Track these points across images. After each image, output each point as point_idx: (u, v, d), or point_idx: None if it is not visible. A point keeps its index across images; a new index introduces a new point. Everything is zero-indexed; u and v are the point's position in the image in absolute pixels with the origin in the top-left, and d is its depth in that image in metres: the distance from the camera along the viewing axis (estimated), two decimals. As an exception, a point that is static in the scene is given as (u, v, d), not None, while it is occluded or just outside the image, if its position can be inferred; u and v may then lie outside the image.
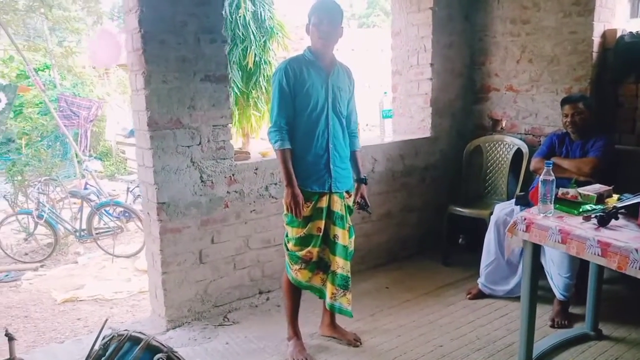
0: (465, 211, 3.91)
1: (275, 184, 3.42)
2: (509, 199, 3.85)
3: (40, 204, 6.71)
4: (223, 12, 3.12)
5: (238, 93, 5.82)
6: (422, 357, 2.83)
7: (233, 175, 3.26)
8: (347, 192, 2.86)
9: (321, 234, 2.74)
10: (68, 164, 9.95)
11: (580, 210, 2.44)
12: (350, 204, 2.90)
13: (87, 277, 6.02)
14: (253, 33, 5.71)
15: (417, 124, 4.29)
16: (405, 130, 4.37)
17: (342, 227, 2.78)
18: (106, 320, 2.00)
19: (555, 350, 2.83)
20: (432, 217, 4.25)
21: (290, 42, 6.54)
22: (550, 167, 2.44)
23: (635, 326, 3.04)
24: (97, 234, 6.87)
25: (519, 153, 3.96)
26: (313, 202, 2.71)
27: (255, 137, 6.72)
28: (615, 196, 2.58)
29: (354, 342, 2.96)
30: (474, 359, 2.81)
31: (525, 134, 4.05)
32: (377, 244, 4.06)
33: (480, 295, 3.49)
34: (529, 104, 4.00)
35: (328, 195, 2.74)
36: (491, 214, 3.56)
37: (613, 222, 2.30)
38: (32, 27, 13.15)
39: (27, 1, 9.80)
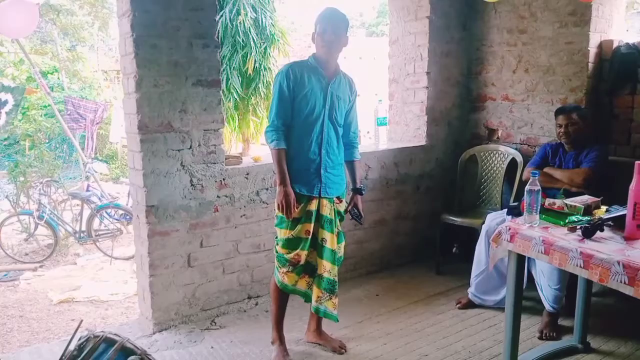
0: (459, 220, 3.89)
1: (267, 189, 3.43)
2: (502, 208, 3.83)
3: (42, 205, 6.77)
4: (217, 18, 3.14)
5: (237, 99, 5.86)
6: (406, 366, 2.81)
7: (224, 179, 3.27)
8: (338, 197, 2.87)
9: (310, 237, 2.75)
10: (73, 166, 10.03)
11: (567, 221, 2.42)
12: (341, 209, 2.91)
13: (84, 278, 6.05)
14: (253, 39, 5.75)
15: (413, 132, 4.28)
16: (401, 138, 4.36)
17: (330, 231, 2.79)
18: (81, 321, 2.01)
19: (542, 363, 2.81)
20: (426, 226, 4.23)
21: (292, 49, 6.57)
22: (537, 177, 2.43)
23: (624, 340, 3.00)
24: (96, 235, 6.91)
25: (513, 163, 3.95)
26: (302, 205, 2.73)
27: (256, 143, 6.75)
28: (604, 208, 2.55)
29: (339, 349, 2.95)
30: (458, 370, 2.79)
31: (521, 144, 4.03)
32: (370, 251, 4.04)
33: (470, 305, 3.46)
34: (525, 113, 3.98)
35: (317, 199, 2.75)
36: (483, 223, 3.53)
37: (599, 234, 2.27)
38: (44, 30, 13.31)
39: (37, 6, 9.92)
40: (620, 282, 2.00)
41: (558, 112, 3.36)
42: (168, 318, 3.19)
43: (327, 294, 2.82)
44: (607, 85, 3.60)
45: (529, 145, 3.98)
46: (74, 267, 6.56)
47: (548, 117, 3.79)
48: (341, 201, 2.90)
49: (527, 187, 2.43)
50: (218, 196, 3.26)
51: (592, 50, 3.57)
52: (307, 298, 2.90)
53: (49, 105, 9.87)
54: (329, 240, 2.79)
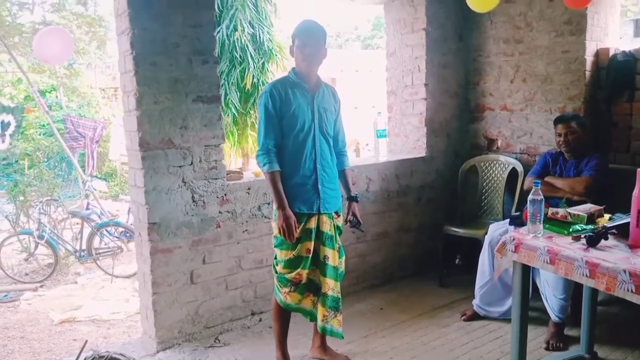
0: (461, 231, 3.88)
1: (268, 203, 3.42)
2: (504, 218, 3.82)
3: (41, 224, 6.74)
4: (215, 34, 3.16)
5: (236, 114, 5.87)
6: (413, 380, 2.79)
7: (225, 195, 3.26)
8: (336, 212, 2.85)
9: (311, 255, 2.71)
10: (72, 185, 10.01)
11: (570, 230, 2.41)
12: (340, 224, 2.89)
13: (85, 297, 6.00)
14: (251, 55, 5.77)
15: (412, 143, 4.28)
16: (401, 150, 4.37)
17: (331, 248, 2.76)
18: (86, 341, 1.99)
19: (550, 373, 2.78)
20: (428, 237, 4.22)
21: (290, 64, 6.59)
22: (539, 187, 2.42)
23: (631, 349, 2.98)
24: (97, 254, 6.87)
25: (514, 172, 3.95)
26: (302, 224, 2.69)
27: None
28: (607, 216, 2.55)
29: (345, 364, 2.92)
30: (466, 382, 2.76)
31: (520, 153, 4.03)
32: (372, 264, 4.02)
33: (475, 316, 3.44)
34: (524, 123, 3.99)
35: (317, 216, 2.73)
36: (486, 234, 3.52)
37: (603, 242, 2.27)
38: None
39: (33, 24, 9.98)
40: (627, 290, 1.99)
41: (557, 121, 3.37)
42: (172, 336, 3.17)
43: (333, 312, 2.79)
44: (605, 93, 3.61)
45: (528, 155, 3.98)
46: (74, 286, 6.51)
47: (547, 126, 3.80)
48: (339, 215, 2.88)
49: (530, 197, 2.43)
50: (220, 212, 3.25)
51: (589, 58, 3.59)
52: (313, 317, 2.85)
53: (47, 124, 9.88)
54: (331, 257, 2.75)
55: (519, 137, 4.03)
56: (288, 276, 2.71)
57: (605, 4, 3.59)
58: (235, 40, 5.61)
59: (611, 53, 3.58)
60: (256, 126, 6.14)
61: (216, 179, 3.22)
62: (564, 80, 3.68)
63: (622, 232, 2.36)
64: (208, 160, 3.18)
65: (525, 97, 3.95)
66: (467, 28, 4.24)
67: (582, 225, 2.45)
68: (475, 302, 3.46)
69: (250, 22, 5.75)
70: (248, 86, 5.77)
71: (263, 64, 5.94)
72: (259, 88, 6.01)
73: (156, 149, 3.00)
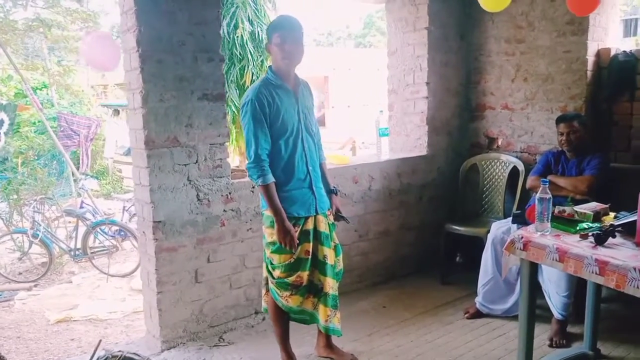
0: (463, 229, 3.90)
1: (272, 202, 3.41)
2: (505, 217, 3.85)
3: (36, 222, 6.68)
4: (220, 32, 3.14)
5: (235, 112, 5.85)
6: (420, 378, 2.80)
7: (230, 193, 3.25)
8: (329, 209, 2.83)
9: (310, 256, 2.68)
10: (64, 183, 9.92)
11: (577, 228, 2.44)
12: (332, 220, 2.86)
13: (81, 296, 5.96)
14: (250, 52, 5.76)
15: (414, 142, 4.30)
16: (402, 149, 4.38)
17: (329, 247, 2.74)
18: (100, 341, 1.97)
19: (555, 370, 2.81)
20: (429, 236, 4.24)
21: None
22: (547, 185, 2.44)
23: (634, 345, 3.02)
24: (92, 253, 6.83)
25: (515, 171, 3.97)
26: (300, 226, 2.65)
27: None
28: (612, 214, 2.58)
29: (351, 362, 2.92)
30: (472, 380, 2.78)
31: (521, 152, 4.06)
32: (374, 262, 4.03)
33: (478, 314, 3.46)
34: (525, 122, 4.02)
35: (314, 217, 2.70)
36: (488, 232, 3.55)
37: (610, 240, 2.30)
38: (30, 46, 13.23)
39: (27, 21, 9.87)
40: (637, 287, 2.01)
41: (559, 120, 3.39)
42: (176, 335, 3.15)
43: (334, 311, 2.76)
44: (606, 93, 3.65)
45: (529, 154, 4.01)
46: (69, 285, 6.47)
47: (548, 125, 3.83)
48: (331, 213, 2.85)
49: (538, 195, 2.45)
50: (224, 210, 3.24)
51: (590, 58, 3.62)
52: (313, 319, 2.82)
53: (39, 122, 9.78)
54: (329, 256, 2.73)
55: (520, 136, 4.06)
56: (288, 280, 2.67)
57: (606, 5, 3.62)
58: (236, 38, 5.59)
59: (612, 53, 3.62)
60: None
61: (221, 177, 3.21)
62: (565, 80, 3.71)
63: (627, 230, 2.39)
64: (213, 158, 3.17)
65: (526, 96, 3.98)
66: (468, 27, 4.26)
67: (588, 223, 2.48)
68: (478, 299, 3.48)
69: (249, 19, 5.75)
70: (247, 83, 5.75)
71: (262, 61, 5.92)
72: (258, 86, 5.99)
73: (162, 147, 2.98)
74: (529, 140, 4.01)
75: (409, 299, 3.79)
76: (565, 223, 2.50)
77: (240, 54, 5.78)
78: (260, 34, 5.88)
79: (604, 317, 3.02)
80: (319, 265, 2.72)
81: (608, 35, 3.72)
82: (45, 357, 4.47)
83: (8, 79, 12.08)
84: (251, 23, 5.92)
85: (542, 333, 3.16)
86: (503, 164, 4.07)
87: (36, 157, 10.25)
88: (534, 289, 2.58)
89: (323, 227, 2.73)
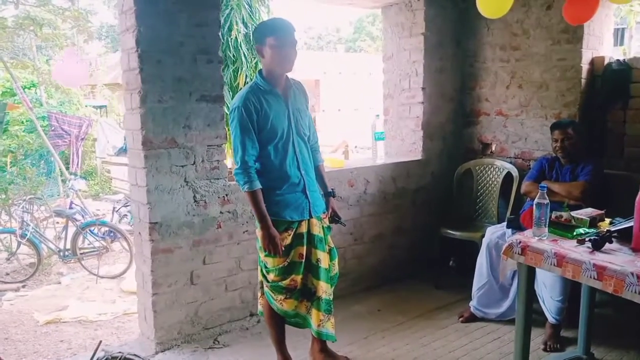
0: (457, 234, 3.92)
1: (269, 204, 3.40)
2: (499, 222, 3.88)
3: (24, 222, 6.60)
4: (220, 34, 3.14)
5: (229, 113, 5.82)
6: (416, 381, 2.81)
7: (226, 195, 3.24)
8: (323, 212, 2.82)
9: (303, 260, 2.67)
10: (52, 183, 9.82)
11: (574, 233, 2.47)
12: (327, 222, 2.85)
13: (70, 298, 5.89)
14: (244, 54, 5.74)
15: (409, 146, 4.32)
16: (397, 153, 4.40)
17: (323, 250, 2.72)
18: (100, 342, 1.95)
19: (549, 374, 2.83)
20: (423, 240, 4.26)
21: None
22: (545, 191, 2.47)
23: (626, 349, 3.06)
24: (81, 254, 6.76)
25: (509, 176, 4.01)
26: (293, 230, 2.64)
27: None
28: (607, 220, 2.61)
29: (346, 365, 2.92)
30: (468, 383, 2.79)
31: (515, 158, 4.10)
32: (369, 266, 4.04)
33: (472, 318, 3.48)
34: (519, 128, 4.06)
35: (307, 220, 2.69)
36: (482, 236, 3.57)
37: (607, 245, 2.32)
38: (19, 44, 13.10)
39: (17, 18, 9.77)
40: (635, 292, 2.04)
41: (554, 127, 3.43)
42: (171, 337, 3.13)
43: (327, 315, 2.73)
44: (600, 101, 3.70)
45: (523, 160, 4.05)
46: (58, 286, 6.39)
47: (542, 131, 3.88)
48: (326, 216, 2.85)
49: (536, 201, 2.47)
50: (221, 212, 3.23)
51: (585, 66, 3.67)
52: (307, 323, 2.79)
53: (28, 121, 9.67)
54: (323, 259, 2.71)
55: (514, 142, 4.10)
56: (282, 283, 2.65)
57: (600, 14, 3.67)
58: (230, 40, 5.57)
59: (606, 61, 3.67)
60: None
61: (218, 179, 3.20)
62: (560, 87, 3.76)
63: (623, 236, 2.42)
64: (210, 160, 3.16)
65: (520, 103, 4.02)
66: (464, 34, 4.30)
67: (585, 228, 2.51)
68: (473, 303, 3.50)
69: (244, 22, 5.73)
70: (241, 85, 5.73)
71: (256, 63, 5.90)
72: (252, 88, 5.97)
73: (159, 148, 2.97)
74: (523, 146, 4.05)
75: (404, 302, 3.80)
76: (562, 228, 2.53)
77: (234, 55, 5.76)
78: (254, 36, 5.87)
79: (597, 321, 3.05)
80: (312, 268, 2.70)
81: (602, 44, 3.77)
82: (34, 358, 4.41)
83: (-6, 77, 11.94)
84: (245, 25, 5.90)
85: (536, 337, 3.18)
86: (497, 169, 4.11)
87: (23, 157, 10.13)
88: (532, 293, 2.61)
89: (317, 231, 2.71)
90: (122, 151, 11.53)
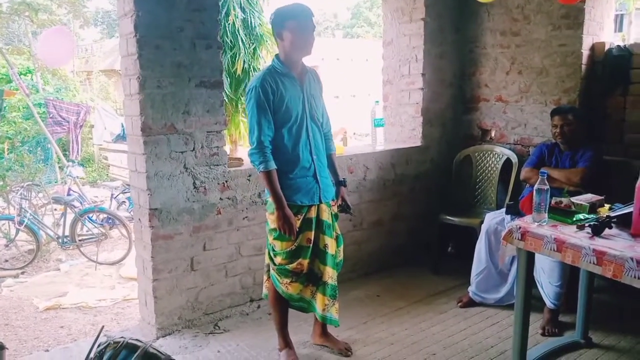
0: (456, 220, 3.93)
1: (268, 191, 3.41)
2: (498, 208, 3.89)
3: (22, 209, 6.60)
4: (219, 19, 3.12)
5: (227, 100, 5.81)
6: (415, 366, 2.83)
7: (226, 181, 3.24)
8: (333, 199, 2.84)
9: (311, 245, 2.69)
10: (49, 170, 9.79)
11: (574, 219, 2.47)
12: (336, 210, 2.88)
13: (69, 284, 5.92)
14: (242, 40, 5.71)
15: (408, 133, 4.31)
16: (396, 139, 4.39)
17: (330, 236, 2.75)
18: (102, 327, 1.96)
19: (547, 358, 2.86)
20: (422, 226, 4.27)
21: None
22: (545, 177, 2.48)
23: (624, 334, 3.09)
24: (80, 240, 6.78)
25: (508, 163, 4.01)
26: (303, 214, 2.67)
27: (244, 145, 6.70)
28: (607, 206, 2.62)
29: (345, 351, 2.94)
30: (467, 367, 2.82)
31: (514, 144, 4.10)
32: (368, 252, 4.06)
33: (471, 303, 3.50)
34: (518, 114, 4.05)
35: (317, 206, 2.71)
36: (481, 222, 3.59)
37: (606, 231, 2.33)
38: (14, 30, 12.98)
39: (12, 4, 9.65)
40: (634, 277, 2.05)
41: (554, 113, 3.43)
42: (171, 323, 3.15)
43: (332, 300, 2.77)
44: (600, 87, 3.69)
45: (522, 146, 4.05)
46: (57, 273, 6.42)
47: (542, 117, 3.87)
48: (335, 203, 2.87)
49: (536, 186, 2.48)
50: (221, 198, 3.23)
51: (585, 52, 3.65)
52: (311, 307, 2.83)
53: (25, 107, 9.62)
54: (330, 245, 2.75)
55: (513, 128, 4.10)
56: (289, 267, 2.69)
57: (601, 0, 3.66)
58: (227, 25, 5.54)
59: (606, 47, 3.65)
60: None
61: (217, 165, 3.20)
62: (560, 73, 3.75)
63: (622, 221, 2.43)
64: (210, 146, 3.15)
65: (520, 88, 4.01)
66: (464, 19, 4.27)
67: (584, 214, 2.52)
68: (471, 289, 3.52)
69: (242, 7, 5.69)
70: (239, 71, 5.71)
71: (254, 49, 5.88)
72: (250, 74, 5.94)
73: (158, 134, 2.95)
74: (523, 133, 4.05)
75: (403, 288, 3.82)
76: (562, 214, 2.53)
77: (231, 41, 5.74)
78: (252, 21, 5.83)
79: (595, 307, 3.08)
80: (319, 253, 2.73)
81: (603, 30, 3.75)
82: (35, 344, 4.44)
83: (-10, 63, 11.82)
84: (243, 10, 5.87)
85: (535, 322, 3.20)
86: (496, 155, 4.11)
87: (20, 144, 10.09)
88: (531, 278, 2.63)
89: (326, 217, 2.74)
90: (120, 138, 11.49)
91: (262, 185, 3.33)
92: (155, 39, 2.87)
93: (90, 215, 6.91)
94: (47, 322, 4.93)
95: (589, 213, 2.53)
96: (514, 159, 3.96)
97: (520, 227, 2.50)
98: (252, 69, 5.96)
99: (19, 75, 10.39)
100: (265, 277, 2.89)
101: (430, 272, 4.07)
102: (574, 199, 2.59)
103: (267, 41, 6.11)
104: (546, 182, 2.47)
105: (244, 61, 5.80)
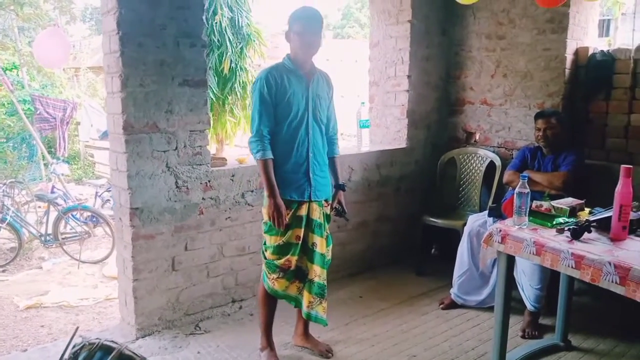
0: (439, 222, 3.95)
1: (252, 191, 3.39)
2: (481, 210, 3.91)
3: (5, 207, 6.50)
4: (203, 17, 3.09)
5: (214, 99, 5.78)
6: (396, 368, 2.83)
7: (209, 181, 3.22)
8: (326, 200, 2.86)
9: (300, 242, 2.73)
10: (34, 167, 9.68)
11: (554, 223, 2.49)
12: (329, 212, 2.90)
13: (51, 283, 5.84)
14: (229, 39, 5.68)
15: (393, 134, 4.32)
16: (382, 141, 4.40)
17: (320, 235, 2.78)
18: (77, 328, 1.93)
19: (527, 361, 2.88)
20: (406, 227, 4.28)
21: (266, 50, 6.54)
22: (526, 180, 2.49)
23: (603, 337, 3.11)
24: (63, 239, 6.69)
25: (491, 165, 4.03)
26: (292, 210, 2.70)
27: (230, 144, 6.66)
28: (587, 210, 2.63)
29: (326, 352, 2.94)
30: (447, 370, 2.82)
31: (498, 147, 4.12)
32: (352, 253, 4.06)
33: (452, 305, 3.52)
34: (503, 117, 4.08)
35: (307, 204, 2.73)
36: (464, 224, 3.60)
37: (585, 235, 2.35)
38: (0, 24, 12.81)
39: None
40: (612, 281, 2.06)
41: (537, 117, 3.45)
42: (151, 323, 3.12)
43: (318, 299, 2.81)
44: (583, 91, 3.72)
45: (506, 149, 4.07)
46: (39, 271, 6.33)
47: (525, 121, 3.90)
48: (328, 204, 2.89)
49: (517, 190, 2.49)
50: (203, 198, 3.20)
51: (569, 57, 3.69)
52: (298, 303, 2.86)
53: (9, 103, 9.50)
54: (319, 244, 2.77)
55: (498, 131, 4.12)
56: (277, 262, 2.72)
57: (586, 5, 3.69)
58: (214, 24, 5.51)
59: (590, 52, 3.68)
60: (235, 111, 6.08)
61: (200, 164, 3.17)
62: (544, 77, 3.77)
63: (602, 225, 2.44)
64: (193, 145, 3.13)
65: (505, 92, 4.03)
66: (450, 22, 4.29)
67: (564, 218, 2.53)
68: (453, 291, 3.53)
69: (229, 6, 5.66)
70: (226, 71, 5.68)
71: (241, 48, 5.85)
72: (237, 73, 5.92)
73: (140, 132, 2.93)
74: (507, 136, 4.07)
75: (385, 289, 3.83)
76: (542, 217, 2.55)
77: (218, 40, 5.70)
78: (240, 20, 5.80)
79: (575, 309, 3.11)
80: (307, 252, 2.77)
81: (587, 35, 3.79)
82: (14, 343, 4.37)
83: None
84: (231, 9, 5.84)
85: (515, 324, 3.22)
86: (480, 158, 4.13)
87: (4, 140, 9.96)
88: (511, 280, 2.64)
89: (316, 216, 2.76)
90: (106, 135, 11.37)
91: (251, 185, 3.36)
92: (138, 37, 2.85)
93: (74, 213, 6.83)
94: (28, 321, 4.86)
95: (569, 217, 2.54)
96: (498, 161, 3.98)
97: (500, 230, 2.51)
98: (239, 68, 5.94)
99: (4, 71, 10.28)
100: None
101: (413, 273, 4.08)
102: (555, 203, 2.61)
103: (254, 41, 6.09)
104: (527, 185, 2.48)
105: (231, 60, 5.77)
